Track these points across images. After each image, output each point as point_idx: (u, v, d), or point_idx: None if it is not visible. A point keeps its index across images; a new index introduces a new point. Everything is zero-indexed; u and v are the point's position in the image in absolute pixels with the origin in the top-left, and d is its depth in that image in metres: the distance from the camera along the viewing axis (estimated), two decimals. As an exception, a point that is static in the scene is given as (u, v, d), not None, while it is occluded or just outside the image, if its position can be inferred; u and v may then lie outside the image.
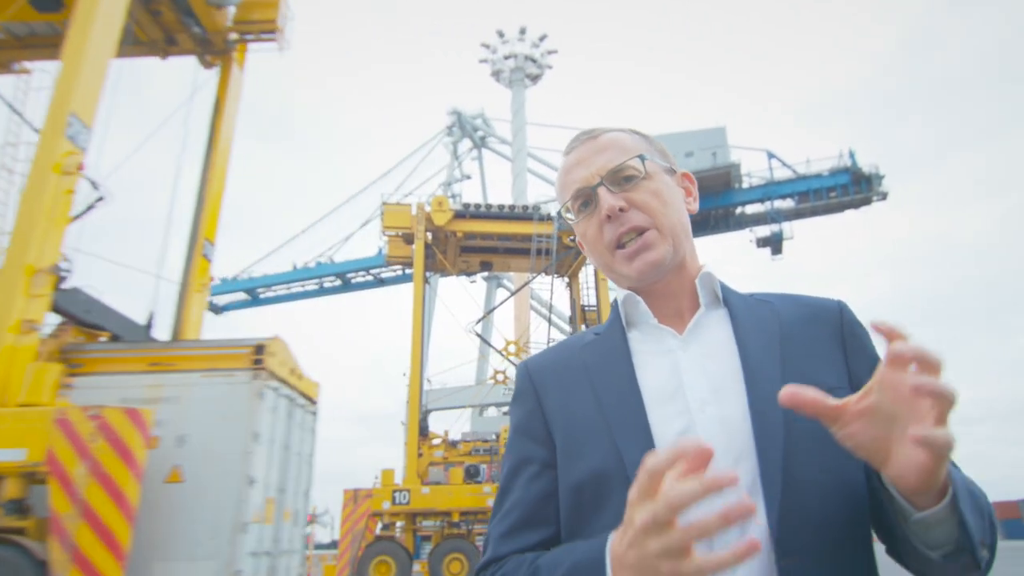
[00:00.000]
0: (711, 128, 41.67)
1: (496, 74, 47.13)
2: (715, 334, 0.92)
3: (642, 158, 0.97)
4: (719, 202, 41.03)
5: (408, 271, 45.14)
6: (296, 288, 47.62)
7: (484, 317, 20.89)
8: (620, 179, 0.96)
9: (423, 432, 17.51)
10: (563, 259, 20.01)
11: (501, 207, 19.39)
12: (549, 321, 19.37)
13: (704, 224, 42.25)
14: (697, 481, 0.55)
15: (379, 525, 16.47)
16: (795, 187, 39.68)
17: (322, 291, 48.20)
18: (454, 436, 19.25)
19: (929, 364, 0.59)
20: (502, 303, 21.51)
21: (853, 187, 37.52)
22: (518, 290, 20.09)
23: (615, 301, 1.02)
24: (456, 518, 16.30)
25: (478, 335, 19.05)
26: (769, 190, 39.88)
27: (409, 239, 19.23)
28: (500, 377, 19.90)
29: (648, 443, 0.83)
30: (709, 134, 41.11)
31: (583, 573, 0.73)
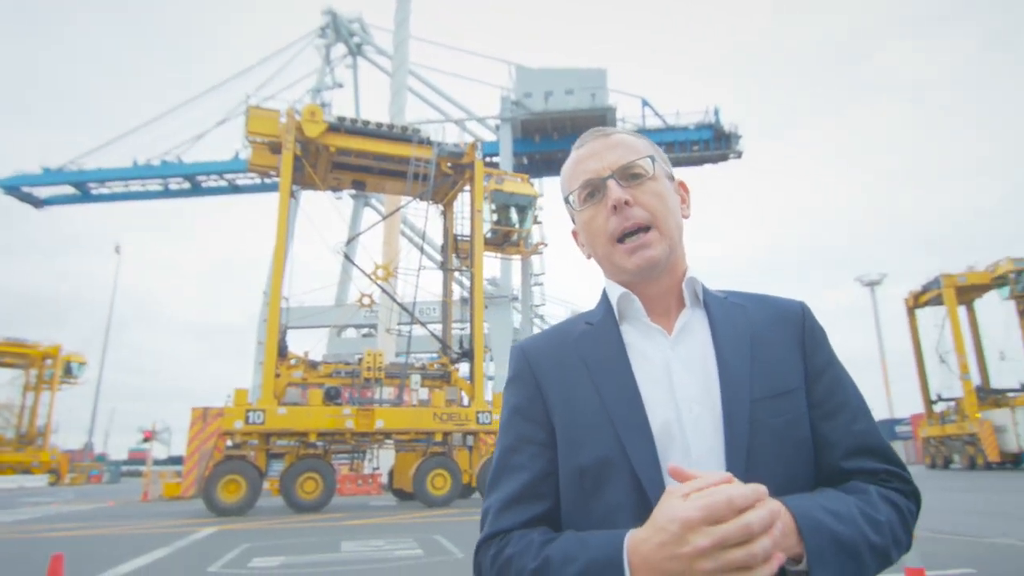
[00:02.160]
0: (593, 68, 42.24)
1: (379, -23, 43.80)
2: (697, 336, 1.00)
3: (652, 159, 1.02)
4: None
5: (269, 180, 42.40)
6: (136, 187, 42.85)
7: (354, 239, 20.18)
8: (629, 175, 1.01)
9: (282, 352, 16.94)
10: (439, 186, 19.68)
11: (379, 125, 18.43)
12: (421, 250, 19.14)
13: (576, 163, 43.49)
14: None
15: (227, 444, 15.93)
16: (663, 137, 41.65)
17: (167, 193, 43.85)
18: (313, 357, 18.77)
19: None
20: (374, 226, 20.83)
21: (714, 143, 40.14)
22: (391, 213, 19.55)
23: (605, 292, 1.07)
24: (314, 438, 16.16)
25: (346, 256, 18.40)
26: (639, 137, 41.62)
27: (276, 148, 17.87)
28: (366, 300, 19.55)
29: (648, 438, 0.90)
30: (590, 74, 41.68)
31: (601, 571, 0.78)
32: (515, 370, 1.05)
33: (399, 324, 27.88)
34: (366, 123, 18.34)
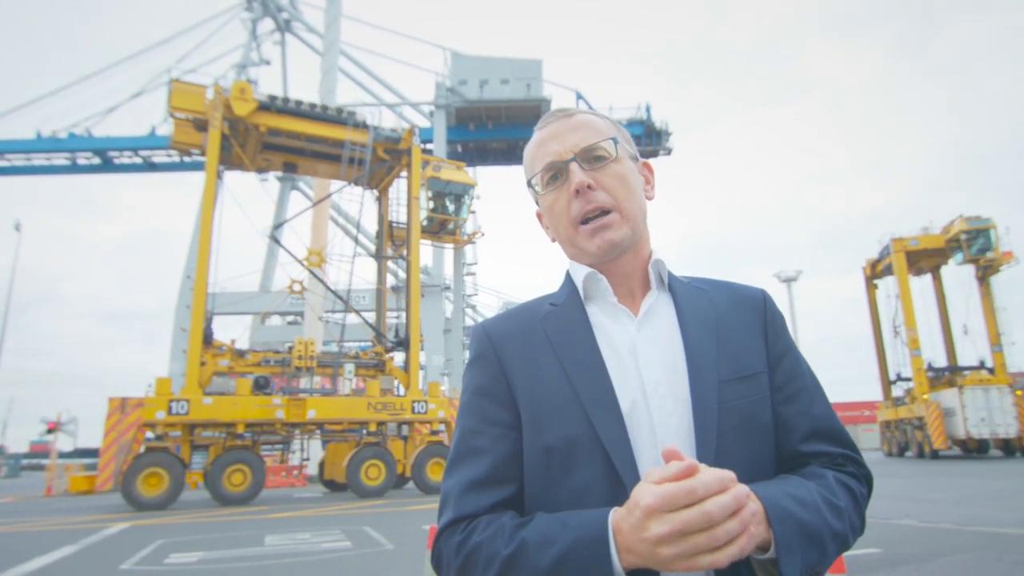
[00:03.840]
0: (529, 59, 42.28)
1: (310, -49, 42.20)
2: (663, 318, 1.00)
3: (614, 141, 1.01)
4: (528, 134, 41.40)
5: (189, 159, 40.31)
6: (40, 160, 39.98)
7: (284, 223, 19.52)
8: (591, 158, 1.00)
9: (207, 340, 16.24)
10: (375, 171, 19.28)
11: (313, 106, 17.82)
12: (356, 240, 18.72)
13: (511, 154, 43.46)
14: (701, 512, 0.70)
15: (146, 435, 15.17)
16: (596, 130, 42.26)
17: (75, 168, 41.16)
18: (239, 345, 18.08)
19: None
20: (305, 210, 20.16)
21: (645, 139, 41.06)
22: (323, 199, 19.03)
23: (568, 274, 1.07)
24: (242, 429, 15.61)
25: (275, 240, 17.79)
26: (570, 130, 41.99)
27: (201, 125, 17.01)
28: (297, 287, 18.99)
29: (618, 417, 0.89)
30: (526, 65, 41.72)
31: (586, 550, 0.76)
32: (477, 350, 1.02)
33: (327, 312, 27.15)
34: (299, 103, 17.71)
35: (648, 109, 41.45)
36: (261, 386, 16.09)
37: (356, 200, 19.01)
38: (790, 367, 1.00)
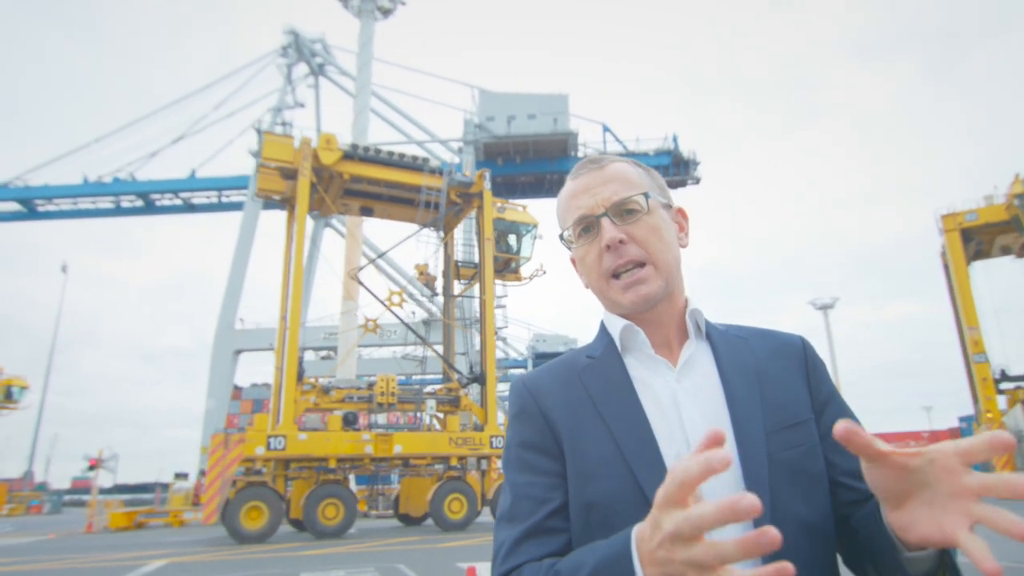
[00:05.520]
0: (555, 94, 43.44)
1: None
2: (703, 368, 0.99)
3: (646, 196, 1.01)
4: (555, 167, 43.37)
5: (225, 199, 41.58)
6: (86, 204, 41.28)
7: (370, 263, 20.42)
8: (623, 211, 1.00)
9: (299, 377, 16.97)
10: (446, 214, 20.19)
11: (391, 153, 18.85)
12: (429, 284, 19.50)
13: (539, 187, 44.44)
14: (717, 507, 0.58)
15: (237, 470, 15.77)
16: (625, 164, 43.15)
17: (119, 211, 42.40)
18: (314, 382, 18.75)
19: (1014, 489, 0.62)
20: (393, 248, 21.03)
21: (673, 169, 41.92)
22: (405, 239, 19.94)
23: (603, 324, 1.08)
24: (333, 464, 16.23)
25: (359, 282, 18.66)
26: (603, 163, 42.90)
27: (289, 174, 18.00)
28: (370, 325, 19.76)
29: (662, 472, 0.80)
30: (553, 100, 42.86)
31: (611, 566, 0.73)
32: (519, 405, 1.03)
33: (359, 346, 27.81)
34: (378, 151, 18.71)
35: (675, 139, 42.27)
36: (350, 422, 16.76)
37: (432, 243, 19.91)
38: (835, 413, 0.98)
